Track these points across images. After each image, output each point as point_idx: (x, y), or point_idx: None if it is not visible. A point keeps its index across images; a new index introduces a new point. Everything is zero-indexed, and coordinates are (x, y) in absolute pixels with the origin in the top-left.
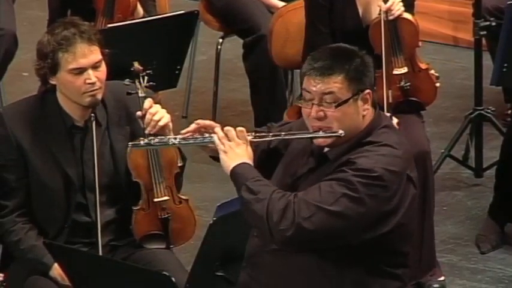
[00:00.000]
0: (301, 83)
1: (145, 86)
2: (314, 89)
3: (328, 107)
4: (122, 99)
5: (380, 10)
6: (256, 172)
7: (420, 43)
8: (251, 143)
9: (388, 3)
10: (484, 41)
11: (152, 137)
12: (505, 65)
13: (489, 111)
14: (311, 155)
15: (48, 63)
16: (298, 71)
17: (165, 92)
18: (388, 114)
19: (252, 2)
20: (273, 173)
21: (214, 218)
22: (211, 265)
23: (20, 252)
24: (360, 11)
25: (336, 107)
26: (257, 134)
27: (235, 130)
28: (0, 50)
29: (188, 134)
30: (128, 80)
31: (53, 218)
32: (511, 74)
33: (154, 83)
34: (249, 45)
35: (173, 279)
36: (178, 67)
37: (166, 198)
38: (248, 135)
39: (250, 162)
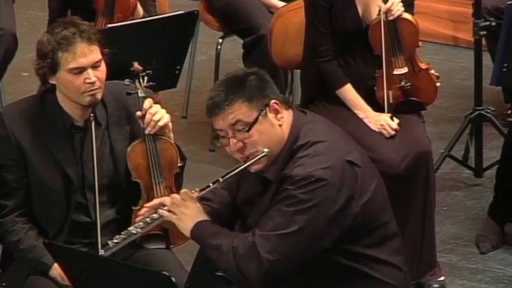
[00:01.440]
0: None
1: (145, 86)
2: (222, 124)
3: (242, 134)
4: (121, 99)
5: (380, 10)
6: (213, 226)
7: (420, 43)
8: (198, 198)
9: (388, 4)
10: (484, 41)
11: (117, 236)
12: (505, 65)
13: (489, 111)
14: (256, 180)
15: (47, 63)
16: (299, 71)
17: (165, 92)
18: (389, 115)
19: (252, 2)
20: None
21: None
22: (211, 265)
23: (19, 252)
24: (360, 11)
25: (248, 131)
26: (200, 188)
27: (179, 194)
28: (0, 50)
29: (143, 218)
30: (127, 80)
31: (52, 218)
32: (510, 74)
33: (154, 83)
34: (248, 46)
35: (173, 279)
36: (178, 67)
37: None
38: (193, 193)
39: (204, 217)
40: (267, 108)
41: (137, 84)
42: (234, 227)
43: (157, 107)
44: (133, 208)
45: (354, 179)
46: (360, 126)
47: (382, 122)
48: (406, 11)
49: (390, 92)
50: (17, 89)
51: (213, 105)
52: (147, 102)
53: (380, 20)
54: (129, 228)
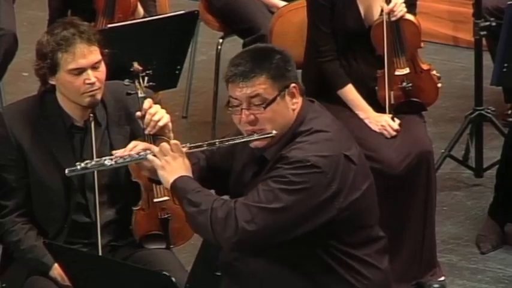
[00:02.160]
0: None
1: (145, 86)
2: (240, 94)
3: (257, 109)
4: (121, 99)
5: (382, 11)
6: (196, 183)
7: (422, 44)
8: (188, 155)
9: (391, 5)
10: (484, 41)
11: (88, 161)
12: (505, 65)
13: (489, 111)
14: (252, 158)
15: (47, 64)
16: (300, 71)
17: (165, 92)
18: (390, 116)
19: (252, 2)
20: (222, 189)
21: None
22: (211, 265)
23: (20, 253)
24: (362, 11)
25: (265, 108)
26: (192, 145)
27: (169, 144)
28: (0, 50)
29: (125, 154)
30: (127, 80)
31: (52, 218)
32: (511, 74)
33: (154, 83)
34: (248, 45)
35: (173, 279)
36: (178, 67)
37: (166, 198)
38: (183, 147)
39: (189, 174)
40: (286, 90)
41: (137, 84)
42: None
43: (157, 107)
44: (134, 208)
45: (347, 174)
46: (361, 127)
47: (383, 122)
48: (408, 11)
49: (392, 93)
50: (17, 89)
51: (238, 74)
52: (147, 103)
53: (382, 21)
54: (104, 158)
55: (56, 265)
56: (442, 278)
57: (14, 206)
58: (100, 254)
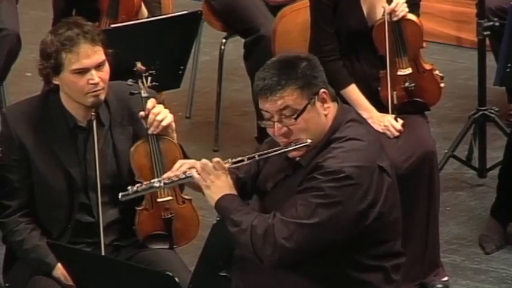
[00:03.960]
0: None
1: (148, 86)
2: (269, 107)
3: (288, 121)
4: (124, 99)
5: (384, 11)
6: (238, 201)
7: (425, 44)
8: (229, 170)
9: (392, 5)
10: (487, 41)
11: (139, 184)
12: (509, 65)
13: (493, 111)
14: (287, 160)
15: (51, 64)
16: None
17: (168, 93)
18: (393, 116)
19: (252, 3)
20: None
21: (218, 218)
22: (214, 265)
23: (23, 252)
24: (365, 11)
25: (296, 118)
26: (233, 161)
27: (212, 162)
28: (3, 50)
29: (173, 175)
30: (130, 80)
31: (56, 218)
32: None
33: (157, 83)
34: (249, 45)
35: (176, 279)
36: (182, 67)
37: (169, 198)
38: (225, 163)
39: (232, 191)
40: (316, 97)
41: (140, 84)
42: (250, 197)
43: (160, 107)
44: (137, 208)
45: (381, 185)
46: None
47: (386, 123)
48: (411, 11)
49: (394, 93)
50: (21, 89)
51: (265, 87)
52: (150, 103)
53: (384, 21)
54: (152, 180)
55: (59, 265)
56: (446, 278)
57: (17, 206)
58: (103, 254)
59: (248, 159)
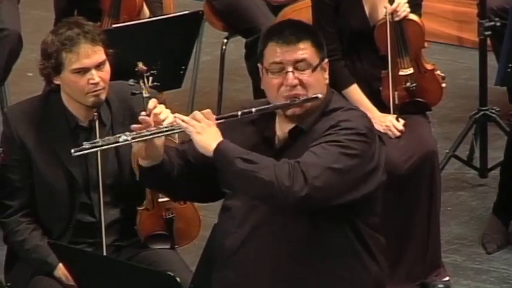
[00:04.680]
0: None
1: (150, 86)
2: (287, 56)
3: (303, 73)
4: (126, 99)
5: (385, 11)
6: (240, 147)
7: (426, 44)
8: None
9: (394, 5)
10: (488, 41)
11: (98, 140)
12: (510, 65)
13: (494, 111)
14: (266, 141)
15: (52, 63)
16: None
17: (170, 93)
18: (395, 116)
19: (253, 3)
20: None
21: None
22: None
23: (24, 252)
24: (367, 11)
25: (312, 71)
26: (223, 115)
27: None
28: (5, 50)
29: (142, 126)
30: (132, 80)
31: (57, 218)
32: None
33: (158, 83)
34: (250, 45)
35: (178, 279)
36: (183, 67)
37: None
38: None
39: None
40: (322, 63)
41: (142, 84)
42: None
43: (161, 107)
44: (138, 208)
45: (381, 152)
46: None
47: (388, 123)
48: (413, 11)
49: (396, 93)
50: (22, 89)
51: (285, 36)
52: (152, 103)
53: (386, 21)
54: (120, 134)
55: (60, 265)
56: (447, 278)
57: (18, 206)
58: (104, 254)
59: (242, 114)
